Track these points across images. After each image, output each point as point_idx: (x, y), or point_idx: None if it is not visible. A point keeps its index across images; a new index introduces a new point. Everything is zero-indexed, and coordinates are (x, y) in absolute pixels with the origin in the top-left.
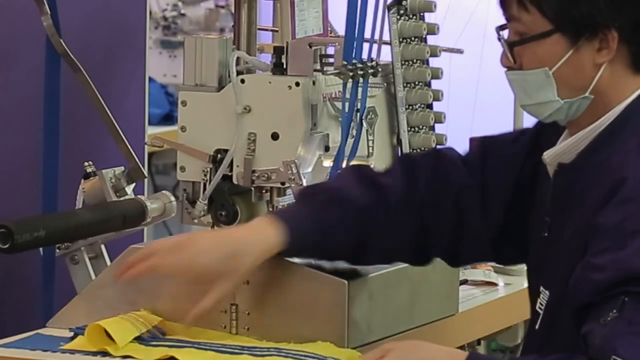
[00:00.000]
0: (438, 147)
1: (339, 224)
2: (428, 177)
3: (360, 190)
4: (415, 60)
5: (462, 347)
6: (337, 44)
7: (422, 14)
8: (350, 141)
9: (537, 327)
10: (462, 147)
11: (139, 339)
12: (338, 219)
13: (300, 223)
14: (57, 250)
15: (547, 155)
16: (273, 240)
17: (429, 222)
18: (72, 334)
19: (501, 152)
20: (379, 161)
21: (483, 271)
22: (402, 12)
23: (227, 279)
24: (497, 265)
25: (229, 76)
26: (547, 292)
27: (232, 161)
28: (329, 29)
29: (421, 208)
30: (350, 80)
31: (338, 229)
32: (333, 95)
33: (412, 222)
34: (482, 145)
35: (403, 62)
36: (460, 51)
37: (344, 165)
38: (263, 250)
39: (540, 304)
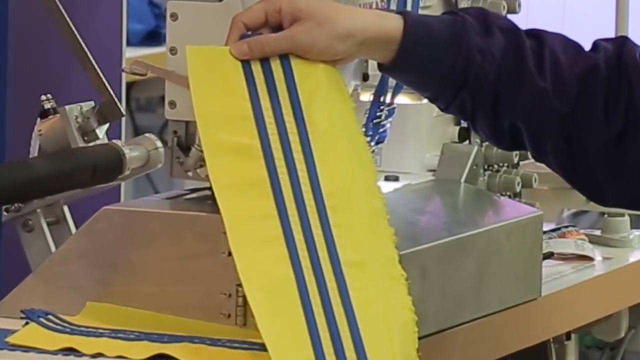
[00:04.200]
0: None
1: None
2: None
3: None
4: None
5: (546, 342)
6: None
7: None
8: None
9: None
10: None
11: (113, 332)
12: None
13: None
14: (5, 214)
15: None
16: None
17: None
18: (24, 321)
19: None
20: None
21: (574, 241)
22: None
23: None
24: (593, 232)
25: None
26: None
27: None
28: None
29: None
30: None
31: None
32: (374, 6)
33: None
34: None
35: None
36: None
37: (387, 99)
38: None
39: None
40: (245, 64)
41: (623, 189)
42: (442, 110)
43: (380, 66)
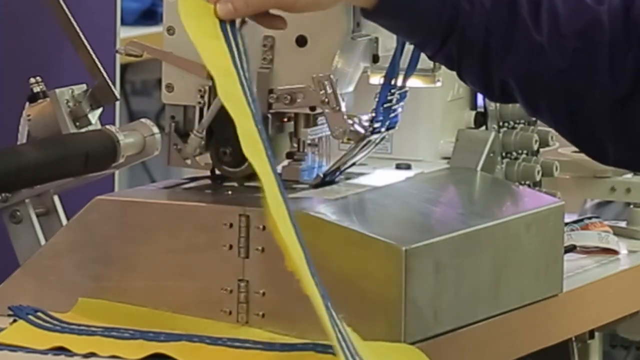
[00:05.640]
0: None
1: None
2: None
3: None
4: None
5: (568, 341)
6: None
7: None
8: (409, 48)
9: None
10: None
11: (106, 331)
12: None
13: None
14: None
15: None
16: None
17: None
18: (11, 319)
19: None
20: (448, 75)
21: (598, 233)
22: None
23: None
24: (618, 224)
25: None
26: None
27: None
28: None
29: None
30: None
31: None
32: None
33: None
34: None
35: None
36: None
37: (398, 82)
38: None
39: None
40: (223, 24)
41: (629, 150)
42: (429, 58)
43: (364, 11)
